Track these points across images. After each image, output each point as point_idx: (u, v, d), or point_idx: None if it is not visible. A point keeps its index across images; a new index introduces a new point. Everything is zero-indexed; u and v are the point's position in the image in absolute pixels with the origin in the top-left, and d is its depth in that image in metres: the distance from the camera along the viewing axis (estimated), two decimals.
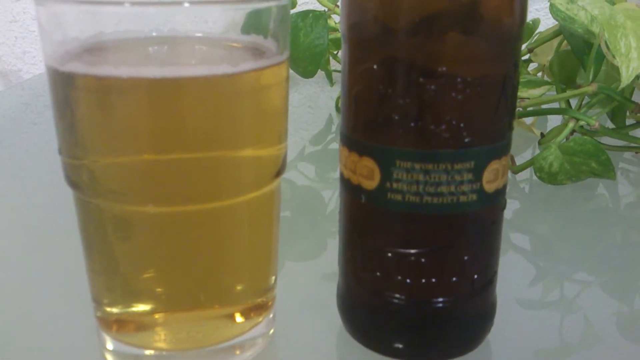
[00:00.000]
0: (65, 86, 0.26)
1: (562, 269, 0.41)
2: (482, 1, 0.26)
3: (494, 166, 0.28)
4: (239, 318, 0.31)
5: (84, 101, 0.26)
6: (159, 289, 0.29)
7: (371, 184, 0.29)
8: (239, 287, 0.31)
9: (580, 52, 0.49)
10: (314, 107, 0.77)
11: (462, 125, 0.27)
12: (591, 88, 0.48)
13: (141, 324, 0.30)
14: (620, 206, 0.52)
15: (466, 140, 0.27)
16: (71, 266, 0.34)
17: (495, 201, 0.29)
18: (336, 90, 0.73)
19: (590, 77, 0.49)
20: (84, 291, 0.31)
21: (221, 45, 0.29)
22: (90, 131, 0.27)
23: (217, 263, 0.30)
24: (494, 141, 0.28)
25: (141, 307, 0.30)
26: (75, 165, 0.28)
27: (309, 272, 0.39)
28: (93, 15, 0.25)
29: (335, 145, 0.65)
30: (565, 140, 0.49)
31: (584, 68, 0.50)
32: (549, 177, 0.48)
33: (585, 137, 0.48)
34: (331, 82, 0.74)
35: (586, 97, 0.51)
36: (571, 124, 0.49)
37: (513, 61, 0.28)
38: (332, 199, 0.52)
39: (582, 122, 0.49)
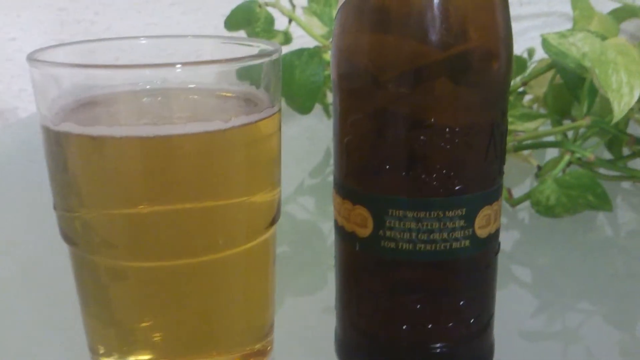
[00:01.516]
0: (60, 145, 0.27)
1: (564, 300, 0.41)
2: (468, 54, 0.26)
3: (485, 212, 0.28)
4: None
5: (78, 159, 0.26)
6: (154, 340, 0.29)
7: (365, 231, 0.29)
8: (236, 336, 0.31)
9: (573, 86, 0.50)
10: (313, 138, 0.77)
11: (452, 173, 0.27)
12: (585, 122, 0.48)
13: None
14: (620, 236, 0.52)
15: (457, 187, 0.27)
16: (68, 316, 0.34)
17: (489, 246, 0.29)
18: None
19: (584, 110, 0.49)
20: (81, 341, 0.31)
21: (214, 96, 0.29)
22: (84, 188, 0.27)
23: (213, 314, 0.30)
24: (485, 187, 0.28)
25: (138, 358, 0.30)
26: (69, 219, 0.28)
27: (309, 308, 0.39)
28: (87, 76, 0.26)
29: None
30: (561, 173, 0.49)
31: (577, 101, 0.50)
32: (546, 210, 0.48)
33: (581, 170, 0.48)
34: (328, 115, 0.74)
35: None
36: (567, 157, 0.49)
37: (501, 109, 0.28)
38: (331, 231, 0.52)
39: (578, 154, 0.50)
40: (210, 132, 0.26)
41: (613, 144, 0.55)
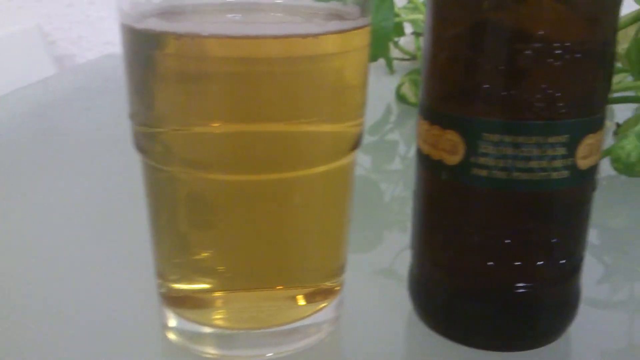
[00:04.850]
0: (141, 45, 0.25)
1: (633, 266, 0.38)
2: None
3: (589, 141, 0.26)
4: (303, 301, 0.29)
5: (160, 61, 0.25)
6: (225, 266, 0.28)
7: (454, 159, 0.27)
8: (307, 268, 0.29)
9: None
10: (372, 97, 0.75)
11: (558, 94, 0.25)
12: None
13: (205, 302, 0.29)
14: None
15: (562, 111, 0.25)
16: (134, 245, 0.33)
17: (588, 179, 0.27)
18: (395, 80, 0.71)
19: None
20: (147, 268, 0.30)
21: (301, 13, 0.28)
22: (165, 95, 0.26)
23: (287, 238, 0.28)
24: (590, 113, 0.26)
25: (206, 284, 0.29)
26: (147, 132, 0.27)
27: (366, 265, 0.37)
28: None
29: (393, 136, 0.64)
30: None
31: None
32: (625, 167, 0.46)
33: None
34: (391, 69, 0.72)
35: None
36: None
37: (612, 26, 0.26)
38: (387, 190, 0.50)
39: None
40: (303, 36, 0.24)
41: None
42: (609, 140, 0.55)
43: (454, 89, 0.27)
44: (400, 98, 0.68)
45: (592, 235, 0.41)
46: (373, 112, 0.69)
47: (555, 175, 0.26)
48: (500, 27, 0.25)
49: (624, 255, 0.40)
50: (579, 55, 0.25)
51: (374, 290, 0.34)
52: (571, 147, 0.26)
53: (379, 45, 0.54)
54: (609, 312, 0.34)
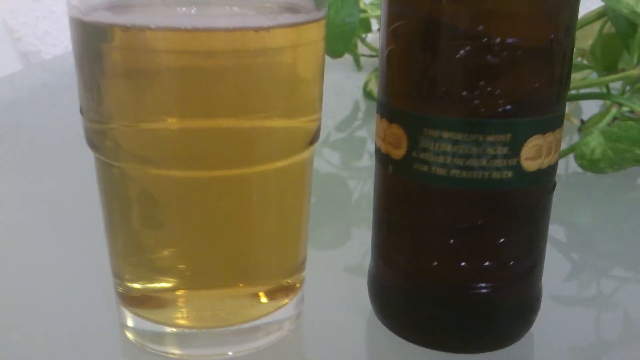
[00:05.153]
0: (89, 38, 0.24)
1: (599, 263, 0.38)
2: None
3: (535, 142, 0.26)
4: (264, 298, 0.29)
5: (108, 55, 0.24)
6: (182, 264, 0.28)
7: (399, 153, 0.27)
8: (266, 266, 0.29)
9: (625, 34, 0.46)
10: (340, 93, 0.75)
11: (497, 92, 0.24)
12: (636, 71, 0.45)
13: (164, 301, 0.28)
14: None
15: (501, 109, 0.25)
16: (91, 243, 0.33)
17: (537, 182, 0.26)
18: (362, 76, 0.71)
19: (635, 60, 0.46)
20: (104, 267, 0.30)
21: (254, 7, 0.27)
22: (114, 89, 0.25)
23: (244, 235, 0.28)
24: (537, 113, 0.25)
25: (164, 283, 0.28)
26: (97, 128, 0.26)
27: (333, 262, 0.37)
28: None
29: (361, 133, 0.63)
30: (607, 126, 0.46)
31: (628, 51, 0.47)
32: (590, 164, 0.45)
33: (630, 122, 0.44)
34: (359, 66, 0.71)
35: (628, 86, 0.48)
36: (614, 110, 0.46)
37: (564, 24, 0.25)
38: (357, 187, 0.50)
39: (625, 108, 0.46)
40: (254, 29, 0.23)
41: None
42: (574, 137, 0.55)
43: (397, 83, 0.26)
44: (368, 95, 0.67)
45: (559, 232, 0.42)
46: (341, 108, 0.69)
47: (496, 175, 0.25)
48: (440, 23, 0.24)
49: (591, 252, 0.40)
50: (520, 53, 0.24)
51: (339, 288, 0.34)
52: (514, 147, 0.25)
53: (344, 40, 0.53)
54: (575, 309, 0.33)
